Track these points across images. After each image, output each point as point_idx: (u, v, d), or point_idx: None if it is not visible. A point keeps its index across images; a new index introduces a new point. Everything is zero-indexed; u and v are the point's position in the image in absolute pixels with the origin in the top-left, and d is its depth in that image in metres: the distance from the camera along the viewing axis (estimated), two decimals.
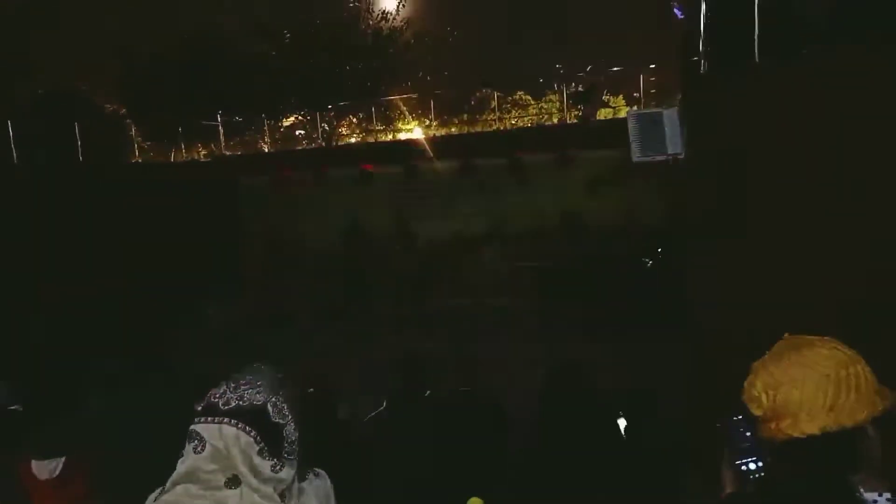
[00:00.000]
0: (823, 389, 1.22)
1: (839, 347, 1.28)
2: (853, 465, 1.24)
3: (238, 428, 1.26)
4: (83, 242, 9.50)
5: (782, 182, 3.85)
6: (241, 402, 1.30)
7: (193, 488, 1.25)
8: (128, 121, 20.92)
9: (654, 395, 3.53)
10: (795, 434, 1.23)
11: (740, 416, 1.37)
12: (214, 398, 1.32)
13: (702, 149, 4.41)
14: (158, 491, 1.32)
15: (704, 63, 4.54)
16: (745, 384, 1.33)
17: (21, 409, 3.69)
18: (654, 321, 8.58)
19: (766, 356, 1.33)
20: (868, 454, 1.25)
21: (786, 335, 1.37)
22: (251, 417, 1.28)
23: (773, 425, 1.27)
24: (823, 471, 1.24)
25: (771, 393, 1.27)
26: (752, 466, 1.36)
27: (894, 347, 1.82)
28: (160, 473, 1.33)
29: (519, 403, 3.97)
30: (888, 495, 1.26)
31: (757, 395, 1.29)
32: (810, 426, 1.22)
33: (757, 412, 1.29)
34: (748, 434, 1.36)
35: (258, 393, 1.32)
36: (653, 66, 12.71)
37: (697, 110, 4.44)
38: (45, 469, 2.88)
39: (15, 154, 10.37)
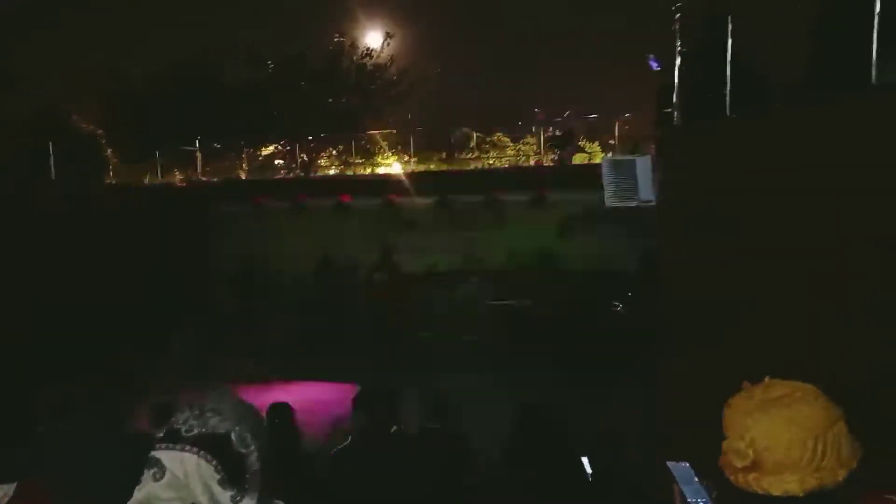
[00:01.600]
0: (812, 450, 1.21)
1: (824, 402, 1.27)
2: None
3: (199, 456, 1.24)
4: (48, 263, 9.31)
5: (752, 229, 3.96)
6: (203, 430, 1.27)
7: None
8: (104, 142, 20.73)
9: (620, 437, 3.54)
10: (776, 493, 1.22)
11: (685, 464, 1.36)
12: (177, 424, 1.29)
13: (673, 197, 4.51)
14: None
15: (677, 114, 4.68)
16: (731, 435, 1.30)
17: None
18: (624, 364, 8.64)
19: (753, 404, 1.30)
20: None
21: (766, 379, 1.35)
22: (214, 446, 1.26)
23: (751, 477, 1.25)
24: None
25: (759, 449, 1.24)
26: None
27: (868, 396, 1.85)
28: (116, 501, 1.30)
29: (486, 442, 3.95)
30: None
31: (744, 448, 1.25)
32: (794, 486, 1.21)
33: (738, 463, 1.27)
34: (694, 478, 1.36)
35: (222, 421, 1.30)
36: (628, 114, 13.03)
37: (670, 159, 4.56)
38: None
39: None
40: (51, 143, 11.59)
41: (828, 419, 1.25)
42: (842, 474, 1.22)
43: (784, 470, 1.22)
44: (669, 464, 1.38)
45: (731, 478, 1.30)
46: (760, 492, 1.24)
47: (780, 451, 1.23)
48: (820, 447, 1.22)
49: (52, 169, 11.51)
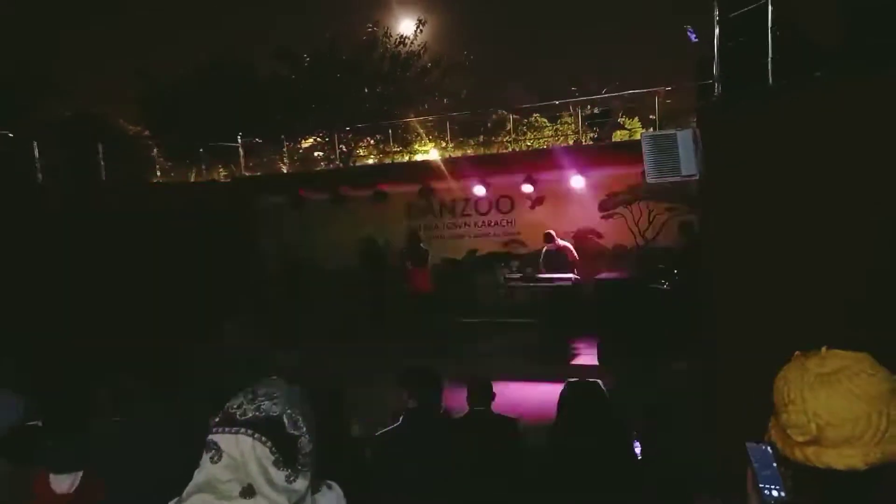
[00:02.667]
0: (875, 424, 1.17)
1: (884, 373, 1.23)
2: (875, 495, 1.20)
3: (254, 438, 1.29)
4: (104, 259, 9.65)
5: (798, 202, 3.85)
6: (257, 413, 1.32)
7: (209, 498, 1.27)
8: (150, 142, 21.32)
9: (669, 415, 3.51)
10: (839, 467, 1.18)
11: (766, 446, 1.32)
12: (232, 409, 1.35)
13: (715, 170, 4.42)
14: (175, 501, 1.34)
15: (718, 86, 4.57)
16: (790, 407, 1.26)
17: (40, 424, 3.73)
18: (670, 343, 8.53)
19: (810, 377, 1.25)
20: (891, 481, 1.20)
21: (823, 350, 1.30)
22: (267, 428, 1.31)
23: (810, 451, 1.22)
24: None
25: (822, 422, 1.20)
26: (776, 494, 1.31)
27: None
28: (177, 487, 1.35)
29: (534, 423, 3.97)
30: None
31: (806, 422, 1.22)
32: (856, 459, 1.17)
33: (799, 438, 1.23)
34: (773, 462, 1.32)
35: (274, 405, 1.35)
36: (668, 88, 12.71)
37: (711, 132, 4.46)
38: (62, 483, 2.91)
39: (40, 175, 10.58)
40: (100, 144, 11.94)
41: (889, 390, 1.21)
42: None
43: (846, 443, 1.19)
44: (749, 445, 1.34)
45: (787, 452, 1.26)
46: (821, 466, 1.20)
47: (844, 424, 1.19)
48: (884, 419, 1.18)
49: (103, 170, 11.86)
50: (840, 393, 1.21)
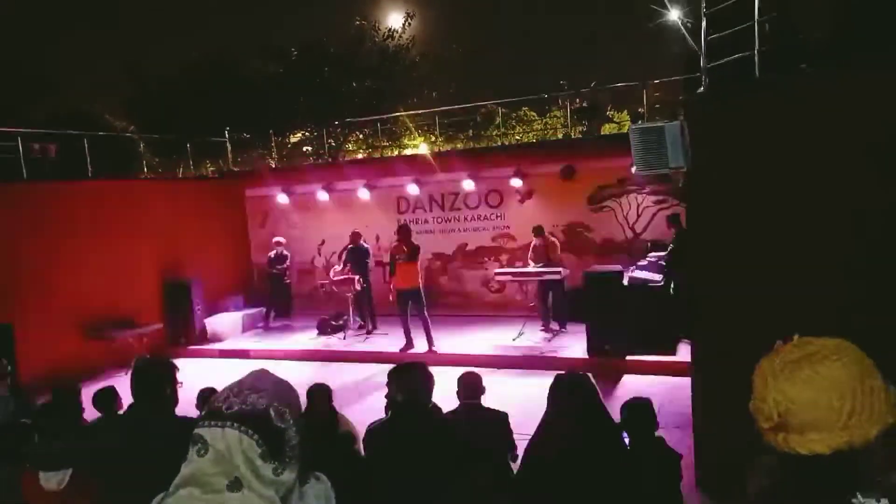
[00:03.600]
0: (837, 409, 1.18)
1: (854, 356, 1.23)
2: (855, 483, 1.21)
3: (241, 431, 1.29)
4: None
5: (784, 193, 3.88)
6: (243, 407, 1.32)
7: (196, 491, 1.27)
8: (136, 138, 21.15)
9: (651, 408, 3.53)
10: (802, 451, 1.20)
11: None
12: (217, 403, 1.35)
13: (703, 162, 4.44)
14: (161, 496, 1.34)
15: (705, 78, 4.58)
16: (755, 395, 1.28)
17: (30, 422, 3.72)
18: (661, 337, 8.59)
19: (777, 365, 1.27)
20: (872, 469, 1.21)
21: (795, 337, 1.32)
22: (254, 422, 1.31)
23: (780, 437, 1.24)
24: (827, 491, 1.20)
25: (782, 409, 1.22)
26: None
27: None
28: (165, 482, 1.35)
29: (522, 417, 3.99)
30: (886, 501, 1.21)
31: (768, 409, 1.24)
32: (820, 445, 1.19)
33: (765, 424, 1.26)
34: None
35: (261, 397, 1.35)
36: (656, 81, 12.75)
37: (698, 124, 4.48)
38: (52, 481, 2.90)
39: (25, 171, 10.49)
40: (85, 140, 11.83)
41: (857, 375, 1.21)
42: (874, 431, 1.18)
43: (810, 429, 1.20)
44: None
45: (766, 438, 1.28)
46: (789, 450, 1.22)
47: (804, 410, 1.20)
48: (847, 405, 1.18)
49: (89, 165, 11.77)
50: (801, 379, 1.22)
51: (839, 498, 1.19)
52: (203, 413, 1.37)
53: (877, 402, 1.20)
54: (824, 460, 1.20)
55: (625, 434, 3.38)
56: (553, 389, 3.10)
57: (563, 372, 3.25)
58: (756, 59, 4.20)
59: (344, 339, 10.90)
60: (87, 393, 4.39)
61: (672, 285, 8.90)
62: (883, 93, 3.41)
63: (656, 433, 3.49)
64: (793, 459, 1.23)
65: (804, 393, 1.21)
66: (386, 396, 3.11)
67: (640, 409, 3.50)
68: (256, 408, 1.33)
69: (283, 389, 1.42)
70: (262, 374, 1.46)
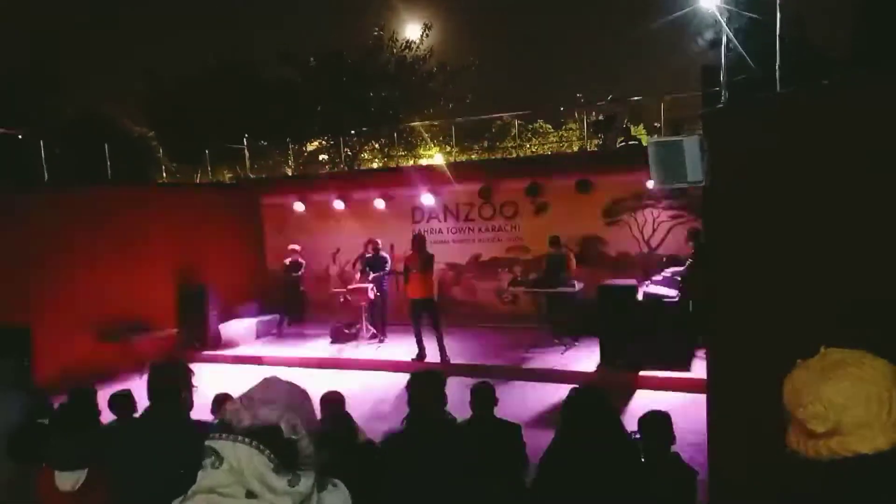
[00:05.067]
0: (888, 405, 1.22)
1: (881, 361, 1.29)
2: None
3: (252, 447, 1.28)
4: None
5: (803, 210, 3.85)
6: (255, 421, 1.32)
7: (214, 497, 1.28)
8: (155, 143, 21.41)
9: (669, 422, 3.50)
10: (864, 450, 1.22)
11: None
12: (228, 416, 1.34)
13: (721, 177, 4.41)
14: (179, 500, 1.34)
15: (725, 93, 4.56)
16: (805, 401, 1.29)
17: (46, 422, 3.75)
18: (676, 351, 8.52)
19: (815, 373, 1.31)
20: None
21: (822, 349, 1.36)
22: (265, 436, 1.30)
23: (833, 442, 1.25)
24: (882, 489, 1.22)
25: (837, 409, 1.25)
26: None
27: None
28: (181, 486, 1.36)
29: (535, 429, 3.97)
30: None
31: (823, 410, 1.26)
32: (880, 441, 1.21)
33: (819, 428, 1.26)
34: None
35: (272, 410, 1.34)
36: (674, 95, 12.73)
37: (717, 138, 4.46)
38: (67, 481, 2.92)
39: (46, 174, 10.64)
40: (106, 145, 11.99)
41: (890, 374, 1.26)
42: None
43: (865, 427, 1.23)
44: None
45: (811, 451, 1.29)
46: (847, 454, 1.24)
47: (859, 407, 1.24)
48: (887, 401, 1.23)
49: (109, 169, 11.91)
50: (848, 378, 1.26)
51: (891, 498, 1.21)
52: (214, 424, 1.37)
53: None
54: (881, 459, 1.22)
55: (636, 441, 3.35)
56: (567, 403, 3.08)
57: (577, 386, 3.24)
58: (777, 74, 4.19)
59: (357, 347, 10.91)
60: (103, 396, 4.42)
61: (690, 300, 8.83)
62: None
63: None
64: (847, 464, 1.24)
65: (856, 390, 1.25)
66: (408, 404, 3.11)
67: (658, 422, 3.46)
68: (268, 421, 1.32)
69: (296, 398, 1.41)
70: (274, 382, 1.45)
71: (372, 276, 10.94)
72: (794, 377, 1.35)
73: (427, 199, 12.45)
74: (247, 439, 1.29)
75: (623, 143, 11.64)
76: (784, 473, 1.32)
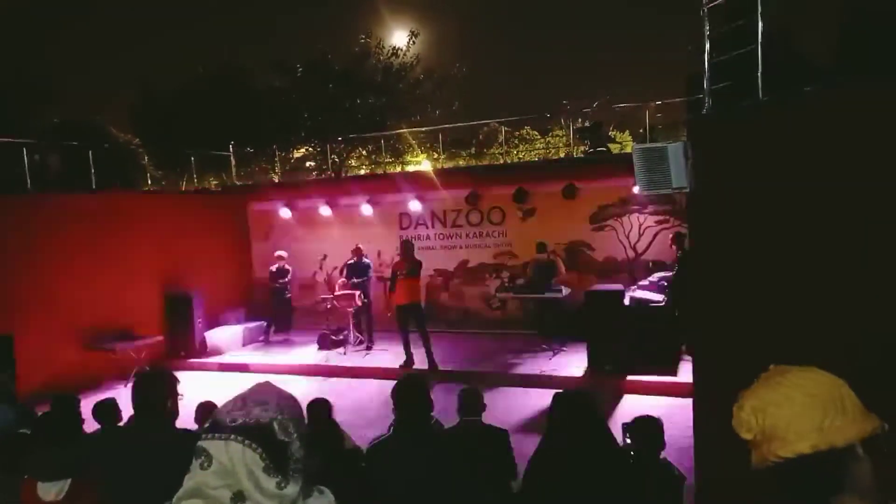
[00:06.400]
0: (810, 408, 1.24)
1: (823, 374, 1.31)
2: (840, 486, 1.25)
3: (244, 445, 1.29)
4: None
5: (786, 215, 3.89)
6: (247, 420, 1.32)
7: (199, 502, 1.27)
8: (140, 150, 21.27)
9: (659, 426, 3.52)
10: (787, 454, 1.24)
11: None
12: (221, 415, 1.34)
13: (705, 183, 4.45)
14: None
15: (708, 100, 4.61)
16: (734, 409, 1.35)
17: (29, 432, 3.70)
18: (661, 355, 8.57)
19: (754, 384, 1.36)
20: (858, 475, 1.25)
21: (770, 366, 1.39)
22: (257, 435, 1.30)
23: (764, 448, 1.28)
24: (811, 492, 1.25)
25: (760, 415, 1.28)
26: None
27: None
28: (166, 494, 1.35)
29: (522, 435, 3.97)
30: None
31: (746, 417, 1.30)
32: (801, 445, 1.23)
33: (747, 436, 1.31)
34: None
35: (265, 410, 1.34)
36: (658, 102, 12.84)
37: (701, 145, 4.50)
38: (50, 491, 2.89)
39: (29, 181, 10.54)
40: (90, 152, 11.89)
41: (827, 382, 1.28)
42: (852, 433, 1.23)
43: (790, 431, 1.25)
44: None
45: (754, 460, 1.32)
46: (775, 459, 1.26)
47: (780, 411, 1.26)
48: (819, 404, 1.25)
49: (93, 177, 11.82)
50: (779, 387, 1.30)
51: (822, 499, 1.24)
52: (206, 425, 1.37)
53: (850, 407, 1.26)
54: (808, 461, 1.24)
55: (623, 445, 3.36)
56: (553, 406, 3.09)
57: (562, 390, 3.24)
58: (759, 81, 4.24)
59: (344, 353, 10.87)
60: (87, 404, 4.38)
61: (676, 305, 8.89)
62: (891, 109, 3.41)
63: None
64: (781, 469, 1.27)
65: (783, 397, 1.28)
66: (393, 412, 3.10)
67: (647, 427, 3.48)
68: (260, 421, 1.32)
69: (288, 402, 1.42)
70: (267, 386, 1.46)
71: (354, 281, 10.92)
72: (741, 393, 1.38)
73: (414, 206, 12.48)
74: (239, 437, 1.29)
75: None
76: (768, 480, 1.34)
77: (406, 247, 9.95)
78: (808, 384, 1.28)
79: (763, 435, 1.29)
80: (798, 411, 1.25)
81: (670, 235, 10.00)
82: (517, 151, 20.20)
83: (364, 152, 21.79)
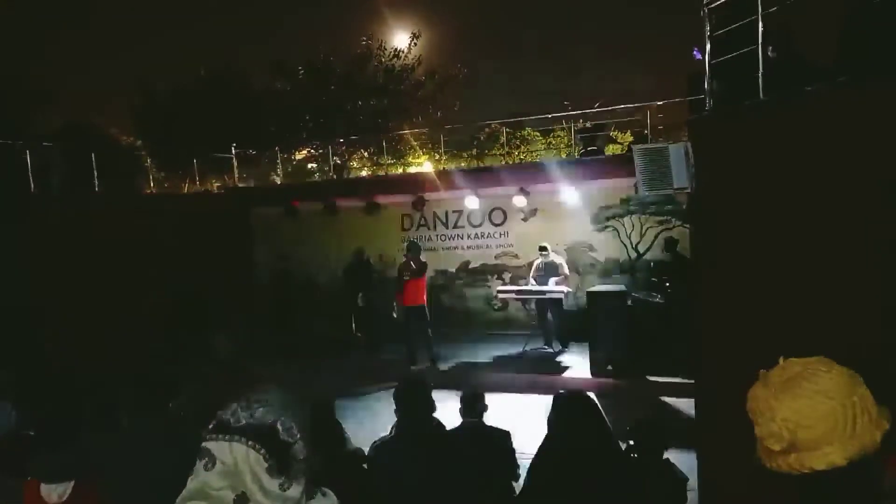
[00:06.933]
0: (844, 418, 1.20)
1: (840, 369, 1.27)
2: (879, 492, 1.22)
3: (248, 446, 1.29)
4: (96, 270, 9.62)
5: (788, 216, 3.89)
6: (251, 421, 1.33)
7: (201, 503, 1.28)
8: (143, 152, 21.30)
9: (661, 427, 3.52)
10: (820, 466, 1.20)
11: None
12: (226, 416, 1.35)
13: (706, 184, 4.45)
14: None
15: (710, 100, 4.61)
16: (760, 420, 1.29)
17: (33, 433, 3.71)
18: (662, 356, 8.56)
19: (773, 387, 1.29)
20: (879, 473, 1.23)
21: (781, 360, 1.35)
22: (261, 436, 1.31)
23: (792, 458, 1.24)
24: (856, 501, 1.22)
25: (792, 427, 1.23)
26: None
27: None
28: (170, 496, 1.35)
29: (526, 435, 3.97)
30: None
31: (777, 430, 1.24)
32: (836, 456, 1.20)
33: (776, 447, 1.26)
34: None
35: (268, 412, 1.35)
36: (660, 103, 12.81)
37: (702, 145, 4.50)
38: (53, 493, 2.89)
39: (32, 183, 10.55)
40: (93, 155, 11.91)
41: (850, 383, 1.24)
42: (878, 435, 1.20)
43: (823, 443, 1.21)
44: None
45: (773, 465, 1.28)
46: (806, 471, 1.22)
47: (815, 424, 1.22)
48: (850, 412, 1.21)
49: (96, 180, 11.83)
50: (803, 394, 1.24)
51: None
52: (210, 426, 1.38)
53: (871, 407, 1.23)
54: (842, 473, 1.20)
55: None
56: (553, 408, 3.09)
57: (563, 391, 3.24)
58: (760, 81, 4.23)
59: (348, 354, 10.86)
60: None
61: (675, 306, 8.89)
62: (891, 109, 3.40)
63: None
64: (810, 480, 1.23)
65: (811, 405, 1.23)
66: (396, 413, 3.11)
67: (649, 428, 3.47)
68: (264, 422, 1.33)
69: (291, 404, 1.42)
70: (271, 387, 1.46)
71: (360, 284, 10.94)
72: (754, 391, 1.33)
73: (417, 207, 12.44)
74: (243, 438, 1.30)
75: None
76: (772, 481, 1.32)
77: (412, 249, 9.98)
78: (838, 390, 1.23)
79: (794, 446, 1.25)
80: (832, 422, 1.21)
81: (664, 238, 10.08)
82: (518, 152, 20.15)
83: (366, 154, 21.78)
